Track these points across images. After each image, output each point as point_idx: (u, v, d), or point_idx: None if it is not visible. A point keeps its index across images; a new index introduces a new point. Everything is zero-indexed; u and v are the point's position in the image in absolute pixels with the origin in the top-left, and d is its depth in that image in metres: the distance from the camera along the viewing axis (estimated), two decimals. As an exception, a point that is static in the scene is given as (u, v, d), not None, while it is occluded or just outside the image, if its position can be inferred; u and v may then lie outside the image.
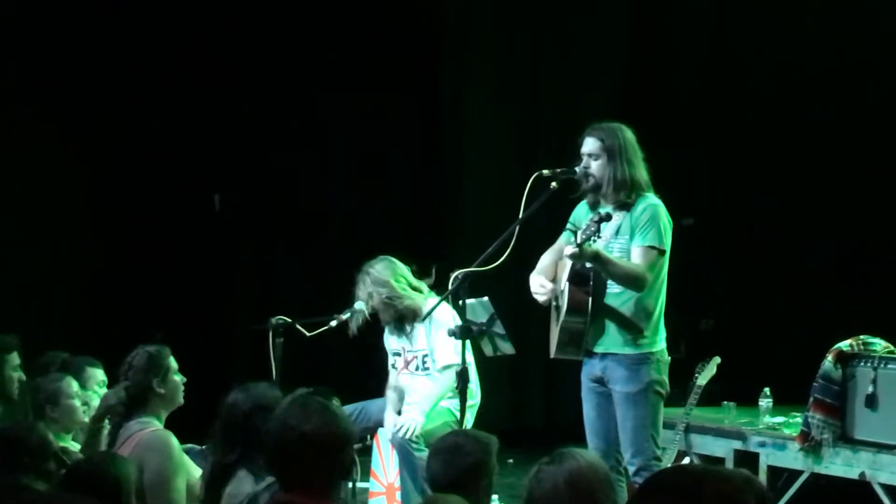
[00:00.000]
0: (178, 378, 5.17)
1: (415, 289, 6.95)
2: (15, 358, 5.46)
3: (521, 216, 5.75)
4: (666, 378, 5.82)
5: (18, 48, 9.15)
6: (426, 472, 4.32)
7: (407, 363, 7.07)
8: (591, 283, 5.70)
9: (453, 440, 4.33)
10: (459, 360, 6.67)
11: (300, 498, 3.49)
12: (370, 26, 9.95)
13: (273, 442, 3.56)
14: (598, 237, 5.56)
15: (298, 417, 3.53)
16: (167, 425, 5.11)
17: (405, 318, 6.94)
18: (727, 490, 2.37)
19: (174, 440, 4.96)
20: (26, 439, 4.32)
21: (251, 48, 9.87)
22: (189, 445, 5.15)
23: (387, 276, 6.92)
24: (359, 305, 6.90)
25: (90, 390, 5.65)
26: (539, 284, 5.88)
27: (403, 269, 6.97)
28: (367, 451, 7.19)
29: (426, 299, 6.92)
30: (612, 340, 5.76)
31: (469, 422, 6.44)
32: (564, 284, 5.79)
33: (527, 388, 10.18)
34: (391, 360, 7.18)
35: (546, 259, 6.01)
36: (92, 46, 9.25)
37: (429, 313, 6.64)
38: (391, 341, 7.14)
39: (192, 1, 9.62)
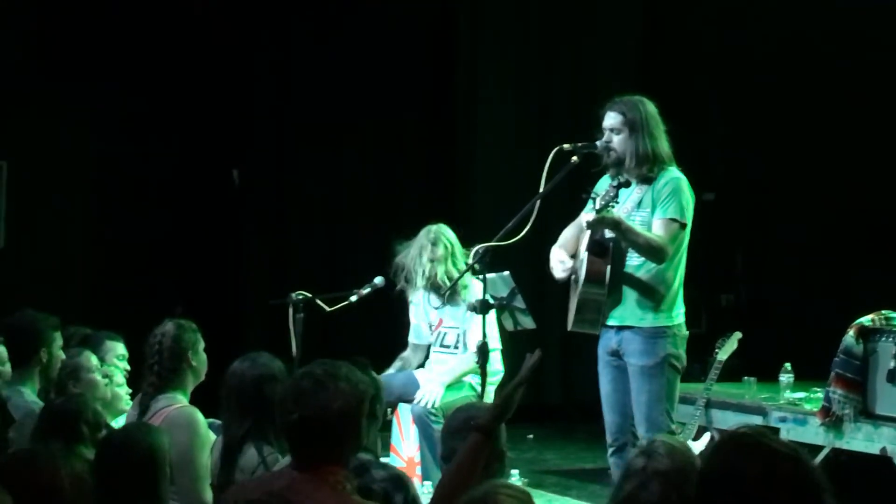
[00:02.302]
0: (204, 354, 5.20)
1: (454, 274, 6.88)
2: (60, 337, 5.49)
3: (541, 190, 5.72)
4: (683, 353, 5.78)
5: (33, 22, 9.15)
6: (445, 451, 4.31)
7: (439, 336, 7.05)
8: (611, 253, 5.67)
9: (468, 416, 4.33)
10: (492, 343, 6.68)
11: (316, 473, 3.48)
12: (386, 3, 9.92)
13: (297, 422, 3.49)
14: (617, 202, 5.53)
15: (320, 395, 3.48)
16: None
17: (443, 292, 6.90)
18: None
19: (200, 416, 4.98)
20: (84, 411, 4.49)
21: (269, 23, 9.84)
22: (210, 420, 5.17)
23: (456, 250, 6.88)
24: (378, 281, 6.89)
25: (110, 364, 5.66)
26: (559, 260, 5.85)
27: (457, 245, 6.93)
28: (387, 427, 7.20)
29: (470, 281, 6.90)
30: (629, 313, 5.73)
31: (489, 397, 6.43)
32: (583, 254, 5.76)
33: (545, 363, 10.12)
34: (427, 331, 7.13)
35: (568, 232, 5.98)
36: (109, 20, 9.25)
37: (449, 288, 6.64)
38: (432, 314, 7.08)
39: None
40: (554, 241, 6.03)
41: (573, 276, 5.86)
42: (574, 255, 5.89)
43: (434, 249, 6.85)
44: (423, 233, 6.94)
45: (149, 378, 5.11)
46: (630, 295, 5.72)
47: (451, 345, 7.01)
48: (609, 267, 5.68)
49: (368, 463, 3.98)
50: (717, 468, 2.42)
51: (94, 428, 4.46)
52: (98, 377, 5.44)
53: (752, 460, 2.39)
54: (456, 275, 6.76)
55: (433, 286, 6.90)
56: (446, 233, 6.93)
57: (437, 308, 7.03)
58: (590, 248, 5.70)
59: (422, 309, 7.13)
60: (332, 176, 10.00)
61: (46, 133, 9.15)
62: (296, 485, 3.45)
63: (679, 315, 5.78)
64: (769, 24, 9.77)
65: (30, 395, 5.31)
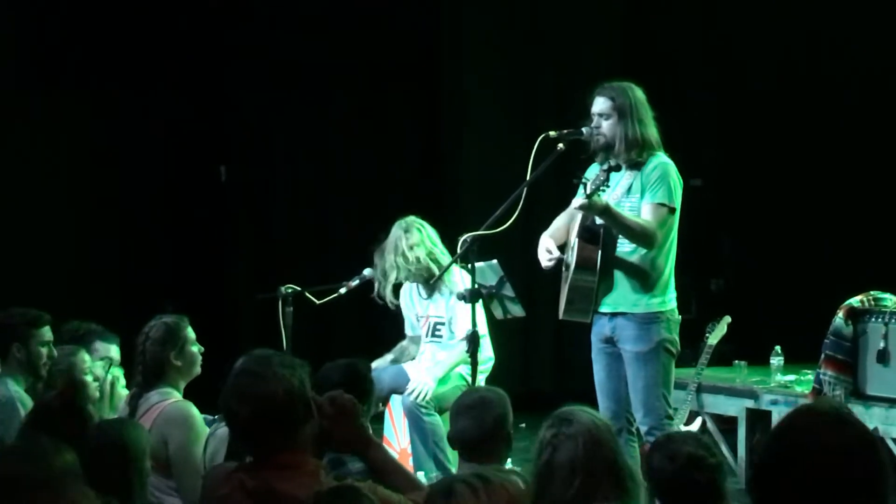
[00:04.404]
0: (196, 349, 5.20)
1: (438, 258, 6.90)
2: (46, 333, 5.45)
3: (528, 178, 5.72)
4: (676, 337, 5.79)
5: (22, 26, 9.13)
6: (453, 430, 4.33)
7: (429, 328, 7.05)
8: (602, 239, 5.67)
9: (479, 396, 4.38)
10: (480, 330, 6.68)
11: (285, 464, 3.46)
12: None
13: (248, 419, 3.50)
14: (608, 186, 5.54)
15: (262, 386, 3.49)
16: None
17: (433, 281, 6.90)
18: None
19: (195, 410, 5.00)
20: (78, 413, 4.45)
21: (252, 19, 9.82)
22: (204, 416, 5.17)
23: (432, 234, 6.90)
24: (368, 272, 6.89)
25: (97, 361, 5.63)
26: (545, 249, 5.83)
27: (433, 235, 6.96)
28: (379, 419, 7.20)
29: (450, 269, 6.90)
30: (621, 299, 5.73)
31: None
32: (574, 240, 5.76)
33: (536, 351, 10.18)
34: (415, 323, 7.15)
35: (559, 221, 5.98)
36: (93, 20, 9.23)
37: (438, 277, 6.63)
38: (421, 306, 7.09)
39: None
40: (542, 228, 6.03)
41: (564, 265, 5.85)
42: (565, 244, 5.88)
43: (408, 236, 6.85)
44: (393, 228, 6.95)
45: (136, 377, 5.17)
46: (622, 281, 5.72)
47: (442, 336, 7.01)
48: (600, 253, 5.68)
49: (344, 456, 3.99)
50: (788, 436, 2.41)
51: (83, 424, 4.45)
52: (89, 379, 5.43)
53: (830, 431, 2.38)
54: (439, 255, 6.79)
55: (419, 274, 6.88)
56: (416, 220, 6.95)
57: (426, 299, 7.04)
58: (580, 235, 5.70)
59: (408, 300, 7.13)
60: (319, 169, 9.99)
61: (35, 132, 9.12)
62: (272, 480, 3.42)
63: (672, 300, 5.78)
64: (755, 9, 9.77)
65: (12, 386, 5.27)
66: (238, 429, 3.53)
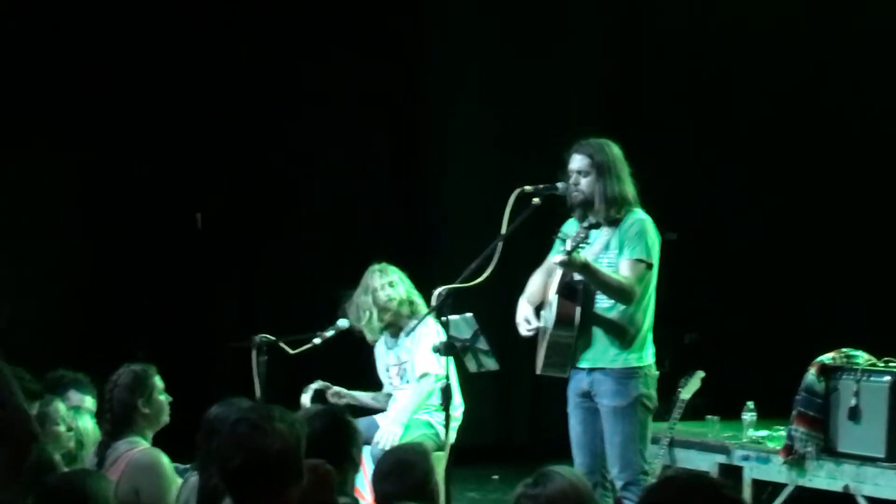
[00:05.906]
0: (164, 398, 5.19)
1: (411, 302, 6.95)
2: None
3: (503, 232, 5.74)
4: (654, 392, 5.84)
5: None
6: (377, 496, 4.31)
7: (399, 374, 7.08)
8: (581, 295, 5.70)
9: (396, 459, 4.34)
10: (438, 369, 6.71)
11: None
12: (350, 37, 9.94)
13: (238, 469, 3.48)
14: (588, 244, 5.57)
15: (258, 439, 3.48)
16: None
17: (399, 327, 6.94)
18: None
19: (164, 457, 4.98)
20: (36, 460, 4.39)
21: (229, 62, 9.84)
22: (175, 465, 5.14)
23: (405, 278, 6.95)
24: (342, 323, 6.91)
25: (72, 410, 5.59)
26: (524, 317, 5.88)
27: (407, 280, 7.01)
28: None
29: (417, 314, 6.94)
30: (600, 354, 5.76)
31: (451, 438, 6.43)
32: (553, 297, 5.78)
33: (512, 404, 10.17)
34: (385, 377, 7.17)
35: (536, 280, 6.01)
36: (72, 64, 9.23)
37: (413, 328, 6.65)
38: (389, 356, 7.12)
39: (172, 21, 9.58)
40: (517, 282, 6.06)
41: (541, 325, 5.87)
42: (542, 303, 5.91)
43: (382, 276, 6.93)
44: (365, 276, 6.99)
45: (104, 426, 5.15)
46: (601, 336, 5.75)
47: (410, 379, 7.03)
48: (579, 309, 5.72)
49: None
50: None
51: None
52: (62, 429, 5.39)
53: (694, 496, 2.44)
54: (413, 296, 6.88)
55: (391, 315, 6.90)
56: (388, 264, 7.00)
57: (391, 348, 7.07)
58: (560, 291, 5.74)
59: (379, 358, 7.16)
60: (296, 219, 9.99)
61: (10, 179, 9.10)
62: None
63: (649, 355, 5.83)
64: (736, 64, 9.86)
65: None
66: (226, 476, 3.52)
